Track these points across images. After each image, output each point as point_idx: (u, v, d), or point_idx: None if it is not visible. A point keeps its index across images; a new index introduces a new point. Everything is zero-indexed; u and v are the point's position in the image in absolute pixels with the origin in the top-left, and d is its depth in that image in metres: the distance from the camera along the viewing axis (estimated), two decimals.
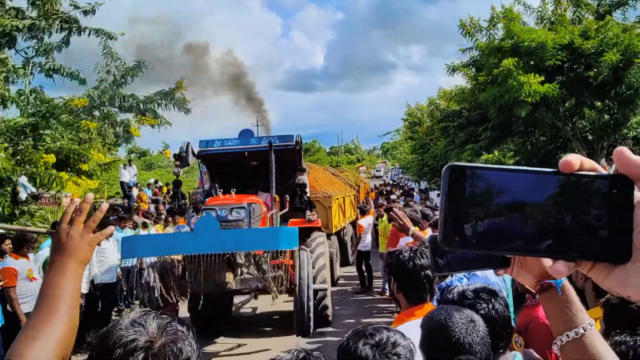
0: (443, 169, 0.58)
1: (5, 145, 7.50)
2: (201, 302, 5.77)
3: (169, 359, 1.02)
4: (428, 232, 5.64)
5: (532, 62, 13.58)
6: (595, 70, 12.70)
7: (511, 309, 2.48)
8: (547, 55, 12.91)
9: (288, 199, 7.27)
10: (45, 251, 6.67)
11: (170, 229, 9.38)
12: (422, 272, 2.20)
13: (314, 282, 6.28)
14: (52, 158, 7.61)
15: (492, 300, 1.75)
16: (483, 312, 1.69)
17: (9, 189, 7.78)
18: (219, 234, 5.48)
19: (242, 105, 11.04)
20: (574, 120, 14.36)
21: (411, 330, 1.82)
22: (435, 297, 2.31)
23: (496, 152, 16.97)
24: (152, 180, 17.72)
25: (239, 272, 5.91)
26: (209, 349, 6.70)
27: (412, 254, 2.23)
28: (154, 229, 9.31)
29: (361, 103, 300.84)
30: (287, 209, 7.32)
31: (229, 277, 5.86)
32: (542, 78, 12.68)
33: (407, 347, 1.41)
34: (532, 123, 14.10)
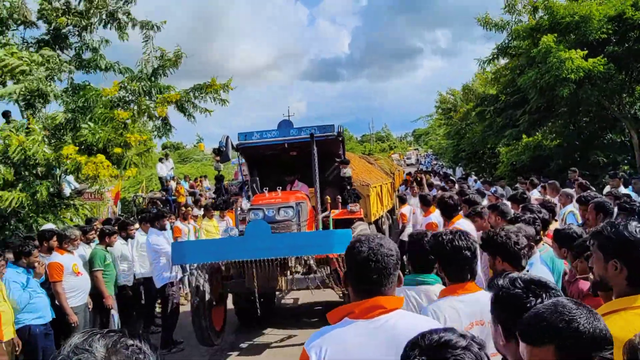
0: None
1: (40, 140, 7.63)
2: (256, 302, 5.66)
3: None
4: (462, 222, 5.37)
5: (573, 38, 12.94)
6: None
7: None
8: (592, 29, 12.24)
9: (329, 200, 7.09)
10: (93, 246, 6.79)
11: (209, 223, 9.40)
12: (462, 253, 2.38)
13: None
14: (70, 148, 7.71)
15: (543, 294, 1.61)
16: (529, 305, 1.56)
17: (49, 182, 7.94)
18: (271, 238, 5.35)
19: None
20: (623, 97, 13.58)
21: (455, 304, 2.30)
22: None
23: (538, 135, 16.31)
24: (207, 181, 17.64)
25: (289, 273, 5.83)
26: (260, 339, 6.70)
27: (452, 236, 2.43)
28: (190, 226, 9.29)
29: (389, 90, 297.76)
30: (339, 210, 7.14)
31: (280, 279, 5.79)
32: (586, 52, 12.05)
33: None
34: (575, 103, 13.47)
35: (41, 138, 7.75)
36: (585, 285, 3.13)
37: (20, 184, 7.67)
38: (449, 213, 5.17)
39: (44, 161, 7.79)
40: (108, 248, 6.56)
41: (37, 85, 8.15)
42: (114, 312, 6.26)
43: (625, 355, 1.33)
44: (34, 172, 8.07)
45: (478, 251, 2.59)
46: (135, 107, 9.15)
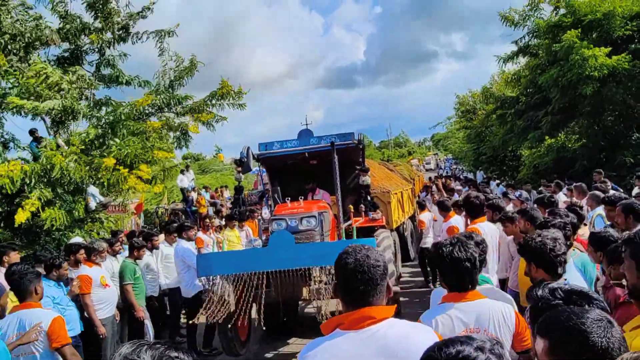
0: None
1: (76, 157, 7.82)
2: (280, 312, 5.65)
3: None
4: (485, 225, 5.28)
5: (595, 36, 12.69)
6: None
7: None
8: (615, 26, 11.99)
9: (352, 209, 7.06)
10: (119, 258, 6.90)
11: (231, 233, 9.45)
12: (462, 264, 2.38)
13: None
14: (111, 160, 7.86)
15: (585, 305, 1.56)
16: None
17: (81, 198, 8.14)
18: (294, 249, 5.38)
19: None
20: None
21: (452, 312, 2.35)
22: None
23: (561, 136, 16.00)
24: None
25: (314, 283, 5.82)
26: (285, 349, 6.68)
27: (451, 248, 2.43)
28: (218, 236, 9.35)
29: (405, 95, 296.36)
30: (362, 219, 7.11)
31: (305, 288, 5.79)
32: (609, 50, 11.80)
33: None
34: (599, 102, 13.18)
35: (76, 157, 7.95)
36: (621, 291, 3.04)
37: (58, 202, 7.88)
38: (474, 213, 5.10)
39: (79, 179, 7.99)
40: (137, 261, 6.66)
41: (71, 103, 8.38)
42: (148, 322, 6.34)
43: None
44: (69, 189, 8.28)
45: (478, 260, 2.52)
46: (156, 120, 9.31)
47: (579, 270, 3.45)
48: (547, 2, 14.33)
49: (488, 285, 3.03)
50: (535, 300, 1.71)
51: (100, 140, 8.55)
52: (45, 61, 9.43)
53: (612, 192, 7.75)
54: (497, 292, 2.99)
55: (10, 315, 3.61)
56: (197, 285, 6.82)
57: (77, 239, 7.85)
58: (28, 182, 7.63)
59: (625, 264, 1.99)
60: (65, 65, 9.90)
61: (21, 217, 7.45)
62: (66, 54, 10.15)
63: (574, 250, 3.85)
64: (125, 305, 6.40)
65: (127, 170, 8.13)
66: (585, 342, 1.26)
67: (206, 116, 9.77)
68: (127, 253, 7.49)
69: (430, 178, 22.92)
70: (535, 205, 5.65)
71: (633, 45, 12.32)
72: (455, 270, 2.41)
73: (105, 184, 8.31)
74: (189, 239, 7.35)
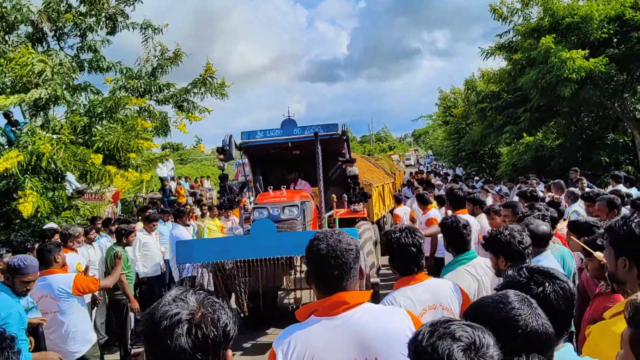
0: None
1: (62, 145, 7.61)
2: (260, 301, 5.62)
3: (208, 327, 1.16)
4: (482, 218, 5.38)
5: (574, 38, 12.92)
6: None
7: None
8: (593, 29, 12.22)
9: (335, 199, 7.05)
10: (104, 241, 6.85)
11: (212, 222, 9.35)
12: (408, 249, 2.53)
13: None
14: (99, 158, 7.67)
15: (545, 282, 1.65)
16: (532, 293, 1.59)
17: (66, 184, 7.94)
18: (276, 237, 5.33)
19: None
20: (625, 97, 13.57)
21: (408, 293, 2.49)
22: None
23: (539, 134, 16.29)
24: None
25: (294, 272, 5.79)
26: (263, 339, 6.64)
27: (399, 234, 2.57)
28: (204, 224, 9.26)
29: (387, 91, 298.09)
30: (345, 210, 7.10)
31: (285, 277, 5.75)
32: (587, 52, 12.03)
33: (497, 348, 1.21)
34: (577, 103, 13.45)
35: (64, 146, 7.73)
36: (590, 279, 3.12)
37: (40, 189, 7.64)
38: (457, 204, 5.15)
39: (64, 168, 7.77)
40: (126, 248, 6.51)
41: (54, 91, 8.14)
42: (132, 314, 6.23)
43: (627, 313, 1.31)
44: (52, 177, 8.06)
45: (425, 246, 2.77)
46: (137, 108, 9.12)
47: (557, 263, 3.51)
48: (535, 2, 14.48)
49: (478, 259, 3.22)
50: (504, 279, 1.78)
51: (86, 129, 8.33)
52: (23, 43, 9.13)
53: (587, 189, 7.94)
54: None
55: (39, 279, 4.09)
56: (191, 269, 6.76)
57: (51, 224, 7.65)
58: (21, 171, 7.40)
59: (605, 252, 2.04)
60: (42, 46, 9.60)
61: (27, 209, 7.23)
62: (42, 35, 9.82)
63: (553, 243, 3.89)
64: (110, 297, 6.26)
65: (115, 168, 7.95)
66: (514, 326, 1.33)
67: (195, 117, 9.63)
68: (104, 240, 7.36)
69: (411, 173, 23.10)
70: (518, 199, 5.74)
71: (611, 49, 12.58)
72: (403, 255, 2.55)
73: (88, 176, 8.11)
74: (184, 224, 7.32)
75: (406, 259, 2.56)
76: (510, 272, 1.78)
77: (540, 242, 3.24)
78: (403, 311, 1.89)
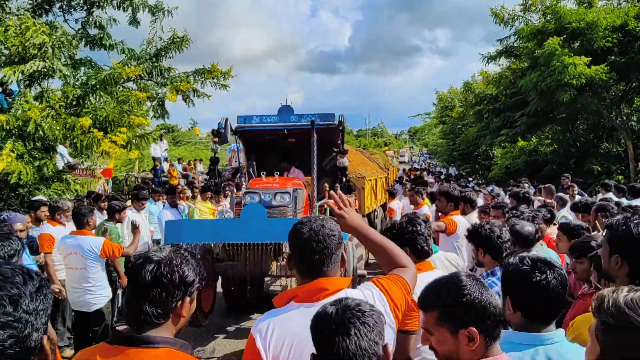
0: None
1: (53, 113, 7.52)
2: (246, 287, 5.57)
3: (166, 269, 1.45)
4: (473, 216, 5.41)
5: (577, 44, 12.96)
6: None
7: None
8: (597, 37, 12.25)
9: (327, 188, 7.03)
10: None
11: (204, 204, 9.31)
12: (418, 237, 2.67)
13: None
14: (87, 121, 7.60)
15: (547, 271, 1.79)
16: (535, 280, 1.76)
17: (56, 155, 7.87)
18: (267, 222, 5.28)
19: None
20: (621, 107, 13.65)
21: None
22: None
23: (534, 139, 16.37)
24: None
25: (282, 259, 5.76)
26: (247, 324, 6.65)
27: (407, 223, 2.73)
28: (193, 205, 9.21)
29: (386, 86, 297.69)
30: (326, 199, 7.08)
31: (273, 263, 5.73)
32: (589, 59, 12.07)
33: (376, 311, 1.42)
34: (574, 109, 13.51)
35: (53, 112, 7.65)
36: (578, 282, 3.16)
37: (26, 157, 7.56)
38: (454, 204, 5.15)
39: (52, 137, 7.69)
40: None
41: (52, 63, 8.03)
42: (120, 291, 6.20)
43: (593, 303, 1.36)
44: (40, 145, 7.97)
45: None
46: (136, 87, 9.04)
47: None
48: (534, 10, 14.50)
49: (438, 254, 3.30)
50: (506, 267, 1.88)
51: (79, 101, 8.25)
52: (27, 12, 8.97)
53: (578, 197, 8.00)
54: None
55: (69, 237, 4.85)
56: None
57: (39, 197, 7.58)
58: (3, 135, 7.29)
59: (601, 249, 2.13)
60: (46, 16, 9.46)
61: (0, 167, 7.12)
62: (49, 5, 9.68)
63: (541, 245, 3.94)
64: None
65: (101, 133, 7.87)
66: (470, 305, 1.48)
67: (185, 85, 9.53)
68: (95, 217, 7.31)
69: (404, 170, 23.14)
70: (510, 200, 5.76)
71: (612, 57, 12.63)
72: (412, 243, 2.68)
73: (78, 145, 8.03)
74: (174, 204, 7.32)
75: (416, 246, 2.67)
76: (511, 260, 1.89)
77: (526, 242, 3.28)
78: (372, 285, 1.88)
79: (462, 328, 1.46)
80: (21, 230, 4.10)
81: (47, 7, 9.28)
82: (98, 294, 4.90)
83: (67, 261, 4.75)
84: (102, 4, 9.50)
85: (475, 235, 3.05)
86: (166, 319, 1.46)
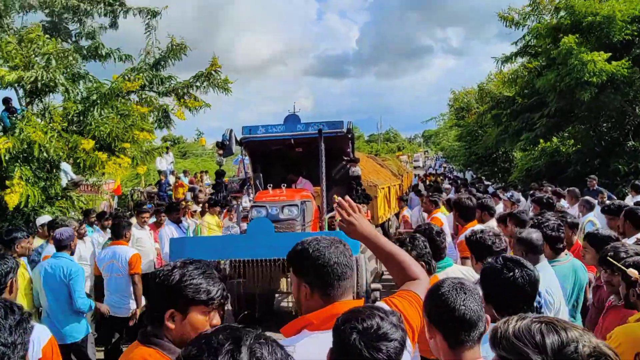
0: None
1: (56, 134, 7.39)
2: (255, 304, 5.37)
3: (174, 279, 1.61)
4: (491, 222, 5.04)
5: (595, 39, 12.44)
6: None
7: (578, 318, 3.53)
8: (615, 30, 11.72)
9: (336, 198, 6.72)
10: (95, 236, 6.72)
11: (212, 219, 9.06)
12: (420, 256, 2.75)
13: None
14: (89, 143, 7.42)
15: (515, 269, 2.03)
16: (503, 277, 2.03)
17: (59, 173, 7.73)
18: (274, 237, 5.09)
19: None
20: None
21: None
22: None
23: (555, 140, 15.80)
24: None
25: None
26: None
27: (411, 239, 2.89)
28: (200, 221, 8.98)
29: (397, 89, 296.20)
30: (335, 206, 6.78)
31: (282, 279, 5.50)
32: (609, 55, 11.55)
33: (396, 341, 1.37)
34: (596, 107, 12.96)
35: (56, 134, 7.51)
36: (607, 294, 3.01)
37: (31, 179, 7.43)
38: (467, 216, 4.76)
39: (57, 157, 7.56)
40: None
41: (54, 75, 7.93)
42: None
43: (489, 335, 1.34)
44: (45, 166, 7.86)
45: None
46: (137, 98, 8.88)
47: (565, 275, 3.44)
48: (545, 6, 14.06)
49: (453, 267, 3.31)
50: (484, 266, 2.14)
51: (80, 117, 8.11)
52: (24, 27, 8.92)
53: (607, 202, 7.49)
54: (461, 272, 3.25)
55: (108, 248, 5.43)
56: None
57: (46, 216, 7.42)
58: (8, 159, 7.17)
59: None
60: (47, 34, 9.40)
61: (14, 200, 7.01)
62: (46, 24, 9.62)
63: (566, 254, 3.69)
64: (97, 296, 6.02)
65: (106, 155, 7.71)
66: (451, 312, 1.61)
67: (194, 103, 9.39)
68: (96, 235, 7.10)
69: (418, 176, 22.71)
70: (533, 205, 5.38)
71: (634, 50, 12.08)
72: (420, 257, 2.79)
73: (82, 165, 7.88)
74: (177, 221, 7.07)
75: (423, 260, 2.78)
76: (490, 260, 2.15)
77: (534, 249, 3.12)
78: (396, 313, 1.67)
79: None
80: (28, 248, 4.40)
81: (50, 26, 9.24)
82: (130, 300, 5.32)
83: (105, 269, 5.26)
84: (90, 11, 9.40)
85: (467, 241, 3.10)
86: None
